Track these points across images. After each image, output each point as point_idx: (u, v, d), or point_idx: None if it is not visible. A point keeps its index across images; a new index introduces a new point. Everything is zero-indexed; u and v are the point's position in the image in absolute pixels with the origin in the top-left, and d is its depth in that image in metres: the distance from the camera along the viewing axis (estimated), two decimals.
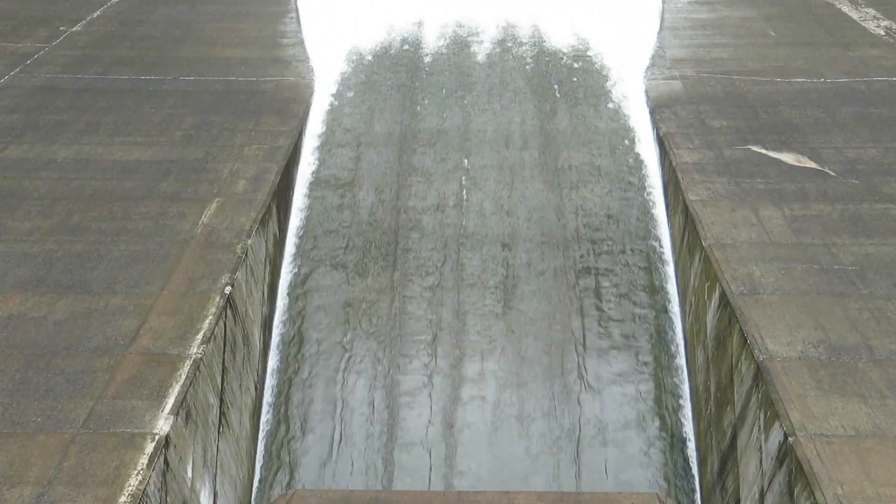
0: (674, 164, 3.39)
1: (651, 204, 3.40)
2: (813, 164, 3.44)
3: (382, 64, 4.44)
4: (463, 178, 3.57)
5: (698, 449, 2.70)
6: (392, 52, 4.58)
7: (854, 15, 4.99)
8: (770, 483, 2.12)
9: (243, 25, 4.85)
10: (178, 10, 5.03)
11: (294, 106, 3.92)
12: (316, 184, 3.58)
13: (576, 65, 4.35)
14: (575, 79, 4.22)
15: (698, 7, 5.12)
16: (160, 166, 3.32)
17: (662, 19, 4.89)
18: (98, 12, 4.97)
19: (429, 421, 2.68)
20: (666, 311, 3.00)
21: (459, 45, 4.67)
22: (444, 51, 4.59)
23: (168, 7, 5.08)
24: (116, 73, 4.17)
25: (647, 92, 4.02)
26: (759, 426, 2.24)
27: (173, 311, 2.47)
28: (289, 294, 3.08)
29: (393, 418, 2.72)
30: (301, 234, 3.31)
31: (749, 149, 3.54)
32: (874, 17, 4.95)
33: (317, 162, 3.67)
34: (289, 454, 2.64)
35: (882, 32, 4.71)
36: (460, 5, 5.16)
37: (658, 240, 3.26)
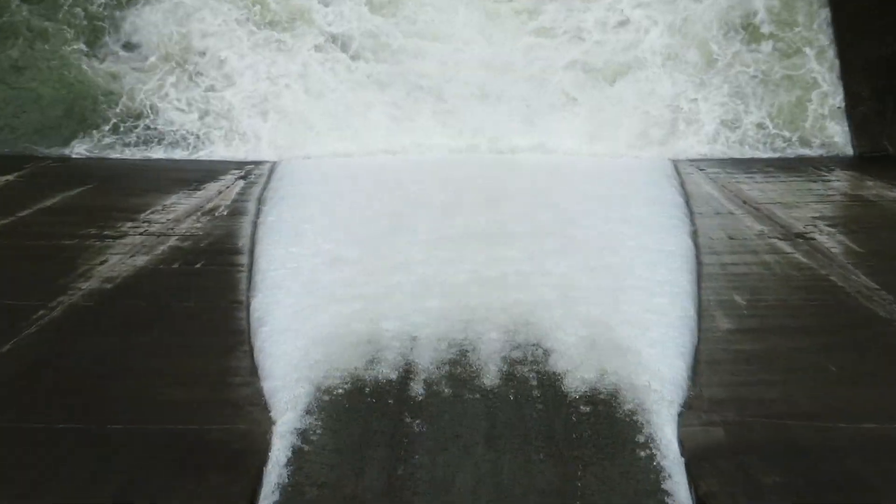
0: None
1: None
2: None
3: (360, 401, 5.19)
4: None
5: None
6: (373, 381, 5.36)
7: None
8: None
9: (186, 360, 5.72)
10: (106, 342, 5.95)
11: (247, 460, 4.59)
12: None
13: (593, 404, 5.14)
14: (592, 422, 4.98)
15: (740, 336, 6.11)
16: None
17: (697, 351, 5.82)
18: (7, 346, 5.88)
19: None
20: None
21: (454, 369, 5.49)
22: (434, 380, 5.38)
23: (94, 339, 6.01)
24: (31, 419, 4.90)
25: (681, 441, 4.75)
26: None
27: None
28: None
29: None
30: None
31: None
32: None
33: None
34: None
35: None
36: (458, 316, 6.17)
37: None
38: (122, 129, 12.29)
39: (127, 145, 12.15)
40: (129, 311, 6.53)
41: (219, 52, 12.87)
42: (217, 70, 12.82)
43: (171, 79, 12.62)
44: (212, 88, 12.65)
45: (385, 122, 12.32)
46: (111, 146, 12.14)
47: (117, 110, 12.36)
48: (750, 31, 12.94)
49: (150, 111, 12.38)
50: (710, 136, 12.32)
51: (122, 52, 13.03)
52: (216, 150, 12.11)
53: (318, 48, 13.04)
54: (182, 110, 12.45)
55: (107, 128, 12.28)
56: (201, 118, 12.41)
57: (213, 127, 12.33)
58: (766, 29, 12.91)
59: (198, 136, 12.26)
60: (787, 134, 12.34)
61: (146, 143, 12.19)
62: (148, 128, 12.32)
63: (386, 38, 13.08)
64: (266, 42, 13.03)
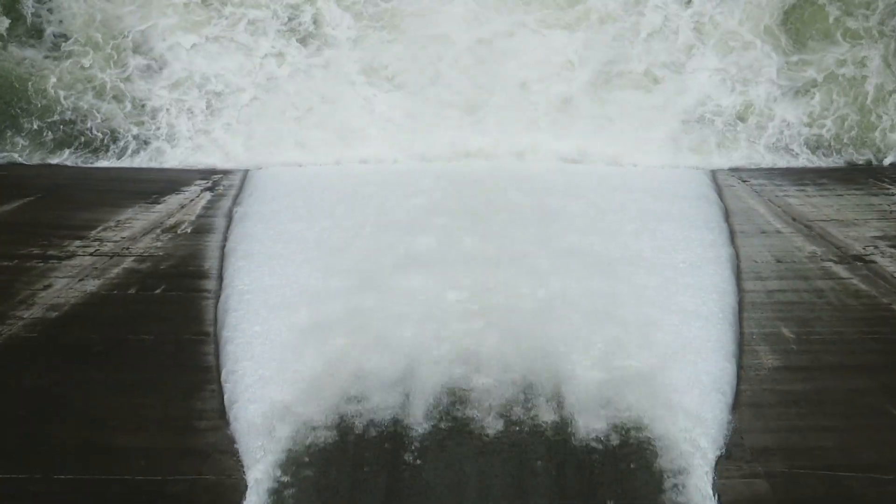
0: None
1: None
2: None
3: (345, 451, 5.26)
4: None
5: None
6: (360, 429, 5.43)
7: None
8: None
9: (144, 401, 5.80)
10: (52, 380, 6.02)
11: None
12: None
13: (616, 456, 5.21)
14: (613, 475, 5.04)
15: (788, 375, 6.18)
16: None
17: (738, 392, 5.90)
18: None
19: None
20: None
21: (452, 417, 5.55)
22: (429, 429, 5.44)
23: (37, 375, 6.07)
24: None
25: (718, 496, 4.81)
26: None
27: None
28: None
29: None
30: None
31: None
32: None
33: None
34: None
35: None
36: (459, 352, 6.25)
37: None
38: (48, 130, 12.34)
39: (54, 149, 12.20)
40: (77, 343, 6.60)
41: (158, 35, 12.88)
42: (153, 55, 12.84)
43: (96, 68, 12.62)
44: (150, 78, 12.69)
45: (375, 124, 12.39)
46: (36, 150, 12.20)
47: (38, 106, 12.40)
48: (805, 24, 13.04)
49: (75, 109, 12.43)
50: (754, 141, 12.40)
51: (32, 34, 12.90)
52: (158, 154, 12.17)
53: (289, 29, 13.10)
54: (123, 107, 12.50)
55: (32, 128, 12.33)
56: (138, 115, 12.47)
57: (158, 127, 12.40)
58: (820, 22, 13.01)
59: (138, 138, 12.34)
60: (845, 140, 12.42)
61: (76, 147, 12.23)
62: (70, 125, 12.39)
63: (373, 10, 13.14)
64: (216, 19, 13.01)
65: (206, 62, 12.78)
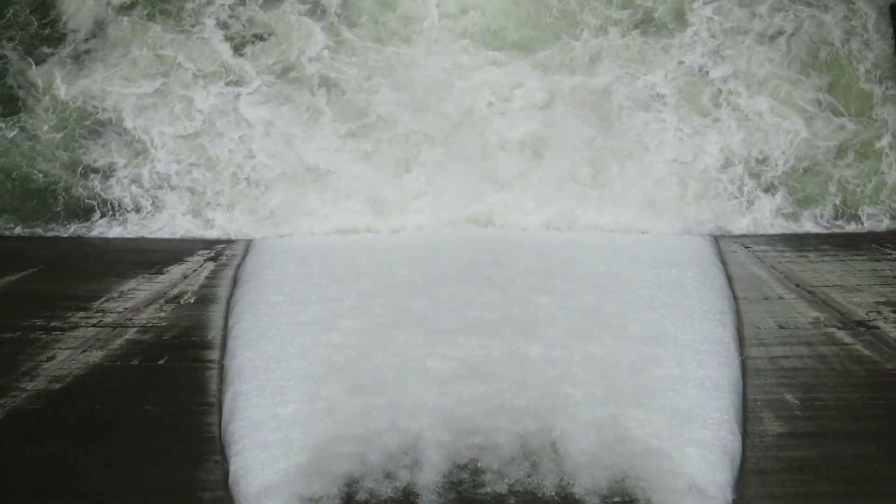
0: None
1: None
2: None
3: None
4: None
5: None
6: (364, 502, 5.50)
7: None
8: None
9: (147, 472, 5.82)
10: (55, 452, 6.04)
11: None
12: None
13: None
14: None
15: (793, 442, 6.21)
16: None
17: (743, 459, 5.93)
18: None
19: None
20: None
21: (460, 494, 5.60)
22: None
23: (40, 448, 6.10)
24: None
25: None
26: None
27: None
28: None
29: None
30: None
31: None
32: None
33: None
34: None
35: None
36: (465, 431, 6.26)
37: None
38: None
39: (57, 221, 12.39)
40: (81, 415, 6.63)
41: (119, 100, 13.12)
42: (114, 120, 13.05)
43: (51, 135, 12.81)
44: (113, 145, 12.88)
45: (374, 196, 12.50)
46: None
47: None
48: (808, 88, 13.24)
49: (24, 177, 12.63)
50: (757, 208, 12.52)
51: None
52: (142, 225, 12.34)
53: (283, 96, 13.29)
54: (79, 174, 12.66)
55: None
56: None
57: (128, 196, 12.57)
58: (823, 96, 13.21)
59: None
60: (847, 206, 12.54)
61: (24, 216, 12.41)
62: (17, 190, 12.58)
63: (365, 81, 13.35)
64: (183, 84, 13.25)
65: (182, 132, 12.93)
